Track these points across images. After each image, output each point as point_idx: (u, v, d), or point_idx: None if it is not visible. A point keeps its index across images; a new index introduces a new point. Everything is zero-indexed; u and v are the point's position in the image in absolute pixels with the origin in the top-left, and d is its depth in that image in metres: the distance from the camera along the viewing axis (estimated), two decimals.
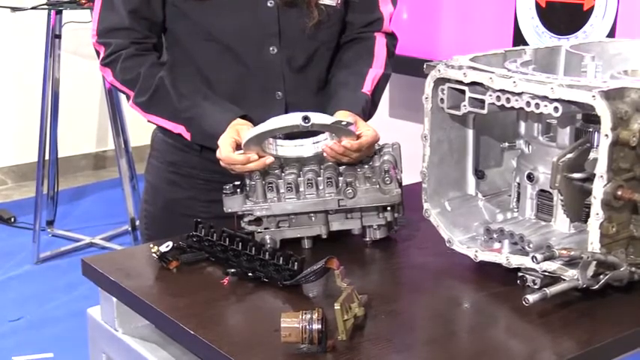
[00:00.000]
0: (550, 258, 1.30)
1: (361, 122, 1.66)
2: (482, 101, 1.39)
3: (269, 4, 1.72)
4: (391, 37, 1.88)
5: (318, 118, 1.53)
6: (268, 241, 1.54)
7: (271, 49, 1.73)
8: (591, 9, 2.53)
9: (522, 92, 1.33)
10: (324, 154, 1.57)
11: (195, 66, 1.74)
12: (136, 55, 1.72)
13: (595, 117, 1.26)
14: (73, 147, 5.21)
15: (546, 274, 1.36)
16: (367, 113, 1.74)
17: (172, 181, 1.83)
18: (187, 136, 1.71)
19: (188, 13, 1.71)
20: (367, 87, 1.78)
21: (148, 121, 1.76)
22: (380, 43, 1.85)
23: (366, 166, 1.59)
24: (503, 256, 1.41)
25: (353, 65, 1.82)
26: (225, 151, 1.59)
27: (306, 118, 1.51)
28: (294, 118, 1.53)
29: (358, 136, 1.58)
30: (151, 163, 1.88)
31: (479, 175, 1.56)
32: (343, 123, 1.54)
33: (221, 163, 1.61)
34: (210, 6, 1.70)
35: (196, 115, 1.68)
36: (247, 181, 1.57)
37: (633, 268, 1.33)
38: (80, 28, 3.99)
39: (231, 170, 1.60)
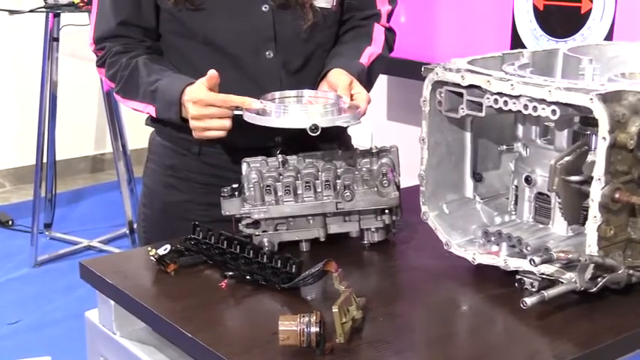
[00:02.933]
0: (548, 261, 1.30)
1: (356, 82, 1.68)
2: (480, 104, 1.39)
3: (264, 9, 1.72)
4: (389, 31, 1.89)
5: (325, 121, 1.54)
6: (266, 244, 1.54)
7: (267, 53, 1.73)
8: (589, 12, 2.54)
9: (520, 95, 1.33)
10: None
11: (193, 69, 1.74)
12: (122, 51, 1.73)
13: (593, 120, 1.26)
14: (71, 150, 5.21)
15: (544, 276, 1.36)
16: (362, 84, 1.73)
17: (170, 184, 1.83)
18: (153, 111, 1.70)
19: (183, 20, 1.71)
20: (364, 59, 1.79)
21: (130, 108, 1.76)
22: (378, 29, 1.86)
23: (364, 169, 1.59)
24: (501, 258, 1.42)
25: (350, 42, 1.84)
26: (202, 89, 1.59)
27: (315, 128, 1.51)
28: (300, 121, 1.54)
29: (351, 98, 1.64)
30: (148, 167, 1.88)
31: (477, 177, 1.56)
32: (352, 121, 1.57)
33: (192, 110, 1.59)
34: (204, 14, 1.70)
35: (160, 85, 1.67)
36: (245, 184, 1.57)
37: (631, 271, 1.33)
38: (78, 31, 3.99)
39: (198, 124, 1.60)
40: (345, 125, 1.61)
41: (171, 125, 1.75)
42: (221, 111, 1.59)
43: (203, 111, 1.59)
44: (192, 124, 1.61)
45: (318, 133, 1.51)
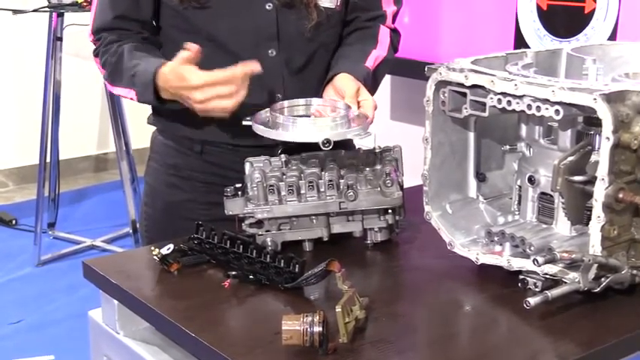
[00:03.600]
0: (551, 261, 1.30)
1: (363, 89, 1.68)
2: (484, 104, 1.39)
3: (267, 7, 1.72)
4: (394, 32, 1.89)
5: (337, 135, 1.53)
6: (269, 244, 1.54)
7: (270, 51, 1.73)
8: (592, 12, 2.53)
9: (523, 95, 1.33)
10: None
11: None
12: (115, 40, 1.73)
13: (596, 120, 1.26)
14: (74, 149, 5.22)
15: (547, 276, 1.36)
16: (368, 88, 1.73)
17: (172, 183, 1.83)
18: (134, 96, 1.69)
19: (187, 17, 1.71)
20: (369, 63, 1.79)
21: (117, 95, 1.76)
22: (383, 31, 1.86)
23: (368, 169, 1.59)
24: (505, 258, 1.41)
25: (356, 44, 1.83)
26: (193, 72, 1.57)
27: (327, 142, 1.51)
28: (311, 135, 1.53)
29: (358, 105, 1.63)
30: (150, 166, 1.88)
31: (480, 177, 1.55)
32: (362, 133, 1.57)
33: (197, 96, 1.57)
34: (209, 11, 1.70)
35: (138, 69, 1.66)
36: (248, 184, 1.57)
37: (634, 271, 1.32)
38: (81, 31, 3.98)
39: (195, 103, 1.58)
40: (356, 138, 1.61)
41: (169, 118, 1.75)
42: (225, 90, 1.56)
43: (207, 94, 1.56)
44: (197, 107, 1.59)
45: (331, 147, 1.51)
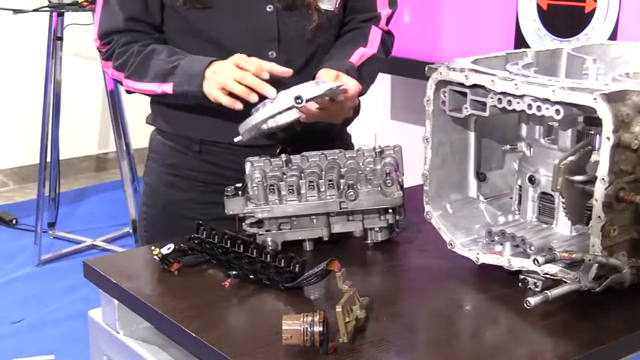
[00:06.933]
0: (551, 260, 1.30)
1: (343, 75, 1.69)
2: (484, 104, 1.39)
3: (268, 9, 1.72)
4: (387, 34, 1.90)
5: (309, 92, 1.57)
6: (270, 244, 1.54)
7: (270, 53, 1.74)
8: (593, 11, 2.53)
9: (524, 95, 1.33)
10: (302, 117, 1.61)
11: None
12: (132, 41, 1.73)
13: (596, 119, 1.26)
14: (74, 149, 5.22)
15: (548, 276, 1.36)
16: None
17: (171, 183, 1.83)
18: (170, 88, 1.69)
19: (188, 18, 1.71)
20: (354, 59, 1.79)
21: (139, 91, 1.76)
22: (374, 31, 1.87)
23: (368, 169, 1.59)
24: (505, 258, 1.41)
25: (344, 44, 1.84)
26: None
27: (298, 98, 1.54)
28: (286, 100, 1.56)
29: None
30: (149, 166, 1.89)
31: (480, 177, 1.56)
32: (335, 87, 1.59)
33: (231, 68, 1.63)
34: (210, 12, 1.70)
35: (182, 61, 1.68)
36: (249, 184, 1.58)
37: (635, 271, 1.32)
38: (82, 31, 4.01)
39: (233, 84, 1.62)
40: (328, 92, 1.60)
41: (168, 118, 1.76)
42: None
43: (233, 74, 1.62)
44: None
45: (303, 103, 1.54)
